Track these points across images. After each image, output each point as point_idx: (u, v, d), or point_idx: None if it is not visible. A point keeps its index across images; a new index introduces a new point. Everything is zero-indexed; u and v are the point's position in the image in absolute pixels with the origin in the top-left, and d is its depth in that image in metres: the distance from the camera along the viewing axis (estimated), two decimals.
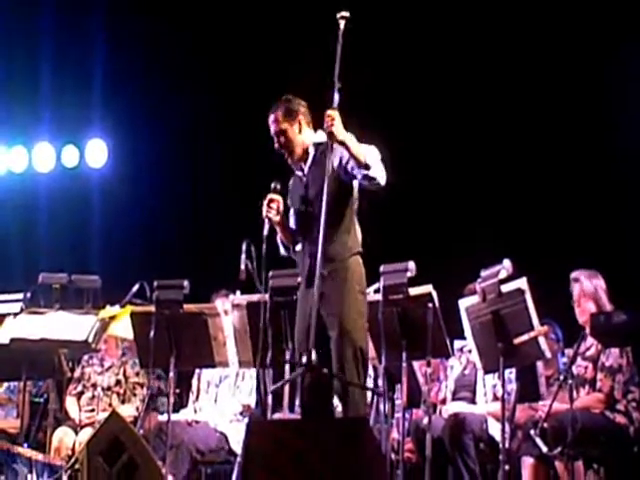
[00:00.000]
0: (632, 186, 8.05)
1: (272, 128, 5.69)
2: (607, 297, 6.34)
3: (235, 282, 6.08)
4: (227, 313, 6.72)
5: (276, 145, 5.70)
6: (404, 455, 6.32)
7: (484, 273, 5.86)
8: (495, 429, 6.36)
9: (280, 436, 4.68)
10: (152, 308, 6.48)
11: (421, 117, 8.88)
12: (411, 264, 5.96)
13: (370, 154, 5.39)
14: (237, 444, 6.88)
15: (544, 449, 5.88)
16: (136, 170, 10.34)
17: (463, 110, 8.68)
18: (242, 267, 5.89)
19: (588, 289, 6.33)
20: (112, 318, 6.85)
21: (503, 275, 5.72)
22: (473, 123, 8.59)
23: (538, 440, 5.89)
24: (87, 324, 6.73)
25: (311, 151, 5.67)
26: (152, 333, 6.38)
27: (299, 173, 5.74)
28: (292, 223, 5.77)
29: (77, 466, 5.72)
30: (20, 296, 7.34)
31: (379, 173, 5.41)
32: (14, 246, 10.52)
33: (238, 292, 6.57)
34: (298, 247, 5.69)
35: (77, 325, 6.74)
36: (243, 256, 5.91)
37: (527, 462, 6.16)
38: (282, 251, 5.81)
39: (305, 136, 5.67)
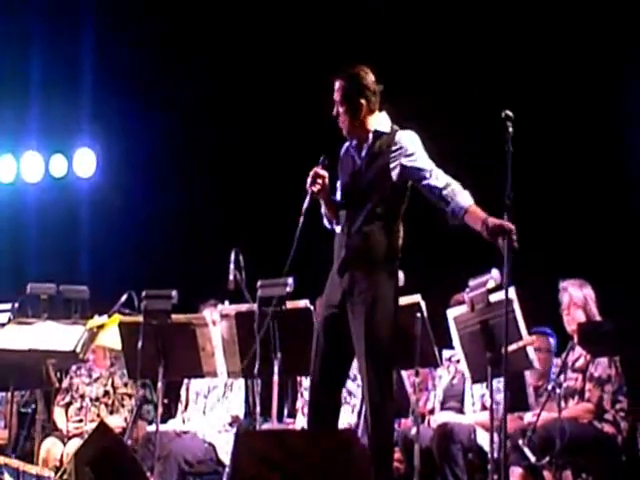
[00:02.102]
0: (623, 194, 8.06)
1: (336, 93, 5.40)
2: (596, 307, 6.35)
3: (224, 292, 6.08)
4: (215, 323, 6.70)
5: (334, 112, 5.42)
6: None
7: (472, 283, 5.87)
8: (484, 439, 6.35)
9: (269, 447, 4.67)
10: (140, 318, 6.47)
11: (415, 123, 8.88)
12: (399, 274, 5.96)
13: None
14: (225, 455, 6.87)
15: (532, 459, 5.89)
16: (124, 179, 10.32)
17: (450, 115, 8.69)
18: (231, 277, 5.89)
19: (577, 298, 6.34)
20: (100, 328, 6.84)
21: (491, 285, 5.73)
22: (460, 131, 8.59)
23: (526, 450, 5.90)
24: (75, 334, 6.72)
25: (370, 138, 5.37)
26: (140, 343, 6.37)
27: (352, 151, 5.45)
28: (338, 196, 5.52)
29: (65, 477, 5.71)
30: (8, 306, 7.33)
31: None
32: (2, 256, 10.48)
33: (227, 302, 6.57)
34: (338, 229, 5.45)
35: (65, 335, 6.73)
36: (232, 266, 5.91)
37: (516, 472, 6.15)
38: (325, 223, 5.58)
39: (365, 118, 5.37)
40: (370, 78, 5.38)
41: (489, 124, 5.46)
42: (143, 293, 6.52)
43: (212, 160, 10.00)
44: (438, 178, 5.29)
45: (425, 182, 5.30)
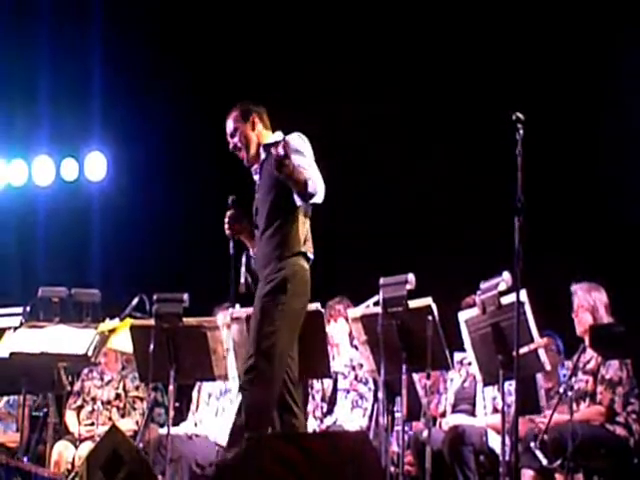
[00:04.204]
0: (637, 196, 8.04)
1: (227, 129, 5.76)
2: (606, 310, 6.34)
3: (236, 295, 6.07)
4: (228, 326, 6.71)
5: (230, 146, 5.75)
6: (404, 468, 6.32)
7: (483, 285, 5.86)
8: (495, 442, 6.35)
9: (279, 449, 4.67)
10: (152, 321, 6.48)
11: (423, 130, 8.89)
12: (410, 276, 5.96)
13: (313, 179, 5.36)
14: None
15: (544, 462, 5.88)
16: (135, 183, 10.34)
17: (457, 119, 8.69)
18: (242, 280, 5.89)
19: (586, 301, 6.33)
20: (112, 332, 6.84)
21: (502, 287, 5.72)
22: (468, 136, 8.60)
23: (538, 453, 5.89)
24: (87, 338, 6.72)
25: (262, 153, 5.69)
26: (152, 347, 6.38)
27: (255, 177, 5.79)
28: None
29: None
30: (20, 310, 7.34)
31: (318, 198, 5.44)
32: (14, 260, 10.51)
33: (237, 305, 6.57)
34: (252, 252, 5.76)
35: (77, 339, 6.73)
36: (243, 269, 5.92)
37: (527, 475, 6.15)
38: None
39: (259, 136, 5.70)
40: (252, 104, 5.79)
41: (500, 127, 5.45)
42: (154, 296, 6.53)
43: (223, 163, 10.00)
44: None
45: None
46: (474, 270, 6.27)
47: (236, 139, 5.72)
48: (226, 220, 5.69)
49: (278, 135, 5.68)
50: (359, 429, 6.88)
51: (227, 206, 5.71)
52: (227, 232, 5.70)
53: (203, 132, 10.08)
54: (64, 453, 7.39)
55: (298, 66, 9.27)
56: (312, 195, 5.37)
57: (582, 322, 6.31)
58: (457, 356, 6.75)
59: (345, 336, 7.32)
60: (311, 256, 5.63)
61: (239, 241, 5.82)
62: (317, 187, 5.37)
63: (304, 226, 5.60)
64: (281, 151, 5.23)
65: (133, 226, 10.04)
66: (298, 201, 5.44)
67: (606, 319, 6.29)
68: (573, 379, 6.20)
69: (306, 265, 5.58)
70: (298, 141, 5.52)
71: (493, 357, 5.69)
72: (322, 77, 9.16)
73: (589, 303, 6.32)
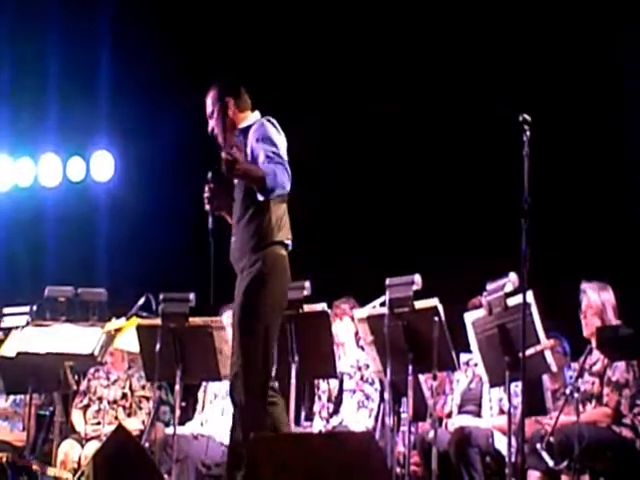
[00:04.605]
0: None
1: (206, 109, 5.58)
2: (614, 311, 6.32)
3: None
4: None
5: (209, 129, 5.59)
6: (410, 469, 6.34)
7: (490, 286, 5.86)
8: (501, 443, 6.34)
9: (285, 450, 4.67)
10: (158, 321, 6.49)
11: (430, 131, 8.88)
12: (417, 277, 5.96)
13: (274, 173, 5.17)
14: None
15: (550, 463, 5.87)
16: (142, 182, 10.34)
17: (464, 120, 8.68)
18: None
19: (595, 303, 6.31)
20: (118, 331, 6.86)
21: (509, 288, 5.72)
22: (475, 137, 8.59)
23: (544, 454, 5.88)
24: (93, 337, 6.74)
25: (239, 136, 5.49)
26: (158, 346, 6.39)
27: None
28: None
29: (83, 479, 5.71)
30: (27, 309, 7.38)
31: (282, 190, 5.24)
32: (21, 259, 10.53)
33: None
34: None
35: (83, 338, 6.75)
36: None
37: (533, 476, 6.14)
38: None
39: (235, 119, 5.51)
40: (230, 81, 5.62)
41: (507, 128, 5.44)
42: (161, 296, 6.54)
43: None
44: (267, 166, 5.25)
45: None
46: (480, 271, 6.27)
47: (213, 122, 5.55)
48: (205, 195, 5.47)
49: (255, 116, 5.51)
50: (365, 429, 6.88)
51: (206, 180, 5.48)
52: (206, 207, 5.49)
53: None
54: (70, 452, 7.39)
55: (309, 65, 9.25)
56: (272, 189, 5.16)
57: (590, 324, 6.29)
58: (463, 357, 6.74)
59: (350, 335, 7.32)
60: (288, 242, 5.40)
61: (220, 217, 5.61)
62: (278, 180, 5.15)
63: (278, 213, 5.37)
64: (224, 155, 5.12)
65: (140, 226, 10.04)
66: (259, 197, 5.24)
67: (614, 321, 6.28)
68: (579, 381, 6.18)
69: (283, 252, 5.36)
70: (267, 127, 5.36)
71: (499, 358, 5.70)
72: (329, 75, 9.17)
73: (597, 305, 6.29)
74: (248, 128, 5.43)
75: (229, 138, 5.52)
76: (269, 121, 5.42)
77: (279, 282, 5.34)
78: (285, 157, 5.32)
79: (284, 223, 5.41)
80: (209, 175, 5.47)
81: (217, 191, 5.48)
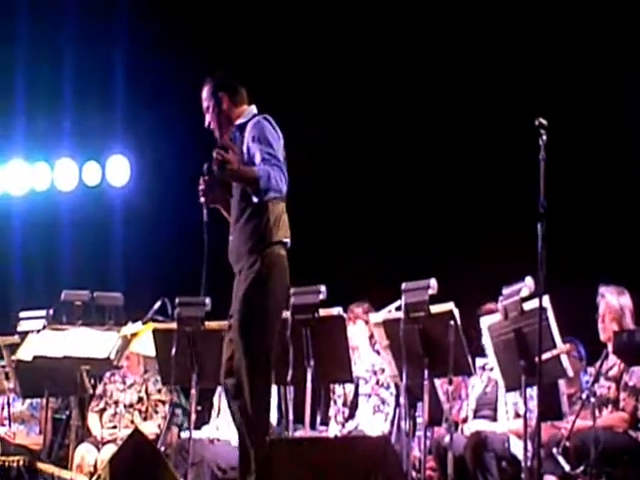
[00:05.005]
0: None
1: (203, 104, 5.57)
2: (632, 316, 6.30)
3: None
4: None
5: (206, 123, 5.56)
6: (426, 473, 6.32)
7: (506, 291, 5.85)
8: (517, 447, 6.32)
9: (301, 454, 4.67)
10: (174, 325, 6.50)
11: (445, 135, 8.88)
12: (432, 281, 5.95)
13: (267, 175, 5.15)
14: None
15: (567, 468, 5.85)
16: (158, 186, 10.35)
17: (481, 124, 8.67)
18: None
19: (613, 307, 6.28)
20: (134, 335, 6.87)
21: (525, 293, 5.71)
22: (490, 141, 8.58)
23: (561, 459, 5.86)
24: (109, 341, 6.76)
25: (235, 133, 5.45)
26: (174, 350, 6.40)
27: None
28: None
29: None
30: (43, 313, 7.40)
31: (276, 192, 5.21)
32: (37, 264, 10.57)
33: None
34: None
35: (99, 342, 6.77)
36: None
37: None
38: None
39: (230, 115, 5.48)
40: (225, 76, 5.59)
41: (523, 132, 5.44)
42: (176, 300, 6.55)
43: None
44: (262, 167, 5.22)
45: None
46: (496, 275, 6.26)
47: (209, 117, 5.52)
48: (200, 187, 5.46)
49: (251, 110, 5.48)
50: (381, 434, 6.87)
51: (201, 173, 5.46)
52: (201, 199, 5.49)
53: None
54: (86, 456, 7.41)
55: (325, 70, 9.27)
56: (266, 192, 5.13)
57: (607, 329, 6.27)
58: (479, 361, 6.73)
59: (365, 339, 7.32)
60: (287, 241, 5.37)
61: (215, 209, 5.59)
62: (272, 183, 5.12)
63: (276, 213, 5.33)
64: (215, 155, 5.12)
65: (156, 230, 10.06)
66: (254, 198, 5.21)
67: (632, 326, 6.26)
68: (595, 385, 6.17)
69: (282, 252, 5.33)
70: (264, 126, 5.34)
71: (515, 363, 5.68)
72: (343, 74, 9.18)
73: (616, 310, 6.27)
74: (245, 124, 5.40)
75: (225, 133, 5.47)
76: (266, 119, 5.40)
77: (279, 282, 5.32)
78: (281, 157, 5.30)
79: (282, 223, 5.38)
80: (204, 167, 5.45)
81: (212, 184, 5.46)
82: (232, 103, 5.48)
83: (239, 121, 5.45)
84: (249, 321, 5.26)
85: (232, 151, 5.26)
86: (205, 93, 5.55)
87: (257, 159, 5.24)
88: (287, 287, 5.49)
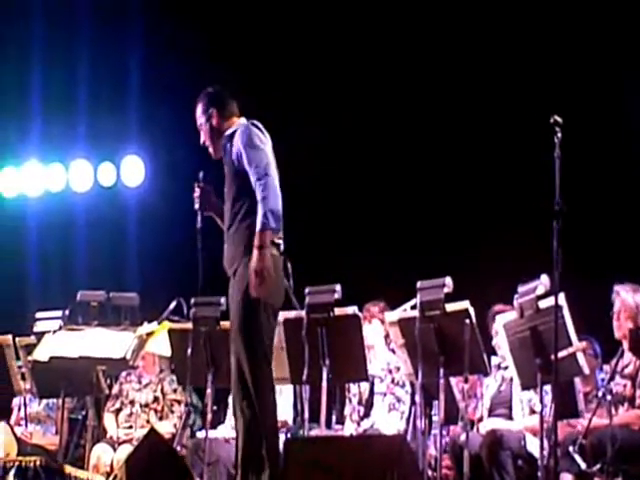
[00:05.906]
0: None
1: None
2: None
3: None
4: None
5: (201, 140, 5.65)
6: (441, 472, 6.31)
7: (521, 289, 5.84)
8: (533, 446, 6.31)
9: (317, 453, 4.68)
10: (189, 325, 6.51)
11: (459, 133, 8.87)
12: (448, 280, 5.95)
13: (270, 222, 5.20)
14: None
15: (583, 466, 5.84)
16: (173, 187, 10.35)
17: (495, 122, 8.66)
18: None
19: (629, 305, 6.27)
20: (150, 335, 6.88)
21: (541, 291, 5.70)
22: (505, 139, 8.57)
23: (577, 457, 5.85)
24: (125, 341, 6.77)
25: (225, 144, 5.51)
26: (189, 350, 6.41)
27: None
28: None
29: None
30: (59, 314, 7.42)
31: (278, 216, 5.27)
32: (52, 264, 10.60)
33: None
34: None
35: (115, 342, 6.78)
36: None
37: (566, 479, 6.11)
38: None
39: (220, 129, 5.54)
40: (215, 92, 5.66)
41: (538, 130, 5.43)
42: (192, 300, 6.56)
43: None
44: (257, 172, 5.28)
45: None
46: (512, 273, 6.25)
47: (203, 134, 5.62)
48: (195, 195, 5.56)
49: (241, 121, 5.52)
50: (396, 432, 6.87)
51: (196, 180, 5.57)
52: (195, 206, 5.58)
53: None
54: (102, 456, 7.43)
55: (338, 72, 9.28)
56: (277, 222, 5.21)
57: (622, 327, 6.26)
58: (494, 360, 6.73)
59: (380, 338, 7.31)
60: (279, 242, 5.36)
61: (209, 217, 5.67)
62: (275, 216, 5.21)
63: None
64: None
65: (170, 230, 10.06)
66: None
67: None
68: (611, 383, 6.15)
69: (275, 252, 5.31)
70: (251, 131, 5.39)
71: (531, 361, 5.68)
72: (343, 74, 9.19)
73: (631, 307, 6.26)
74: (233, 133, 5.46)
75: (218, 149, 5.56)
76: (253, 124, 5.46)
77: (273, 282, 5.31)
78: (271, 163, 5.34)
79: None
80: (200, 175, 5.56)
81: (207, 191, 5.58)
82: (221, 117, 5.57)
83: (228, 132, 5.52)
84: (246, 321, 5.30)
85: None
86: (197, 111, 5.65)
87: (250, 173, 5.29)
88: (282, 286, 5.48)
